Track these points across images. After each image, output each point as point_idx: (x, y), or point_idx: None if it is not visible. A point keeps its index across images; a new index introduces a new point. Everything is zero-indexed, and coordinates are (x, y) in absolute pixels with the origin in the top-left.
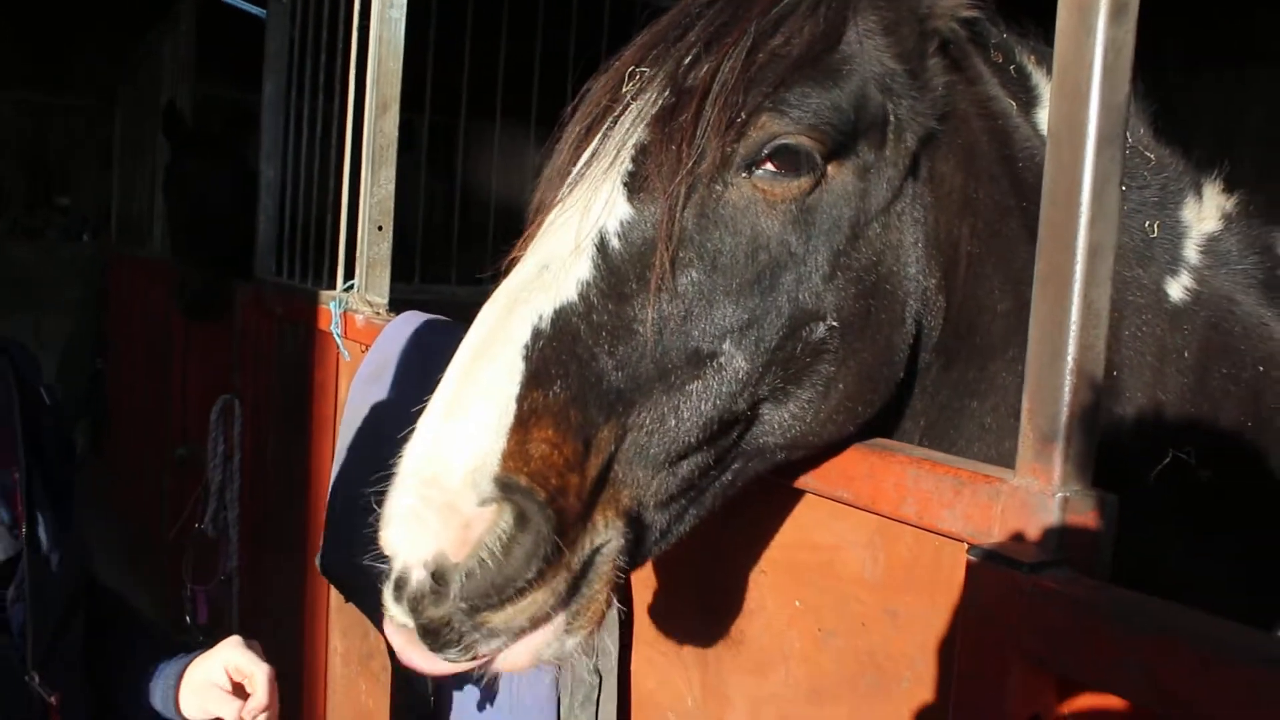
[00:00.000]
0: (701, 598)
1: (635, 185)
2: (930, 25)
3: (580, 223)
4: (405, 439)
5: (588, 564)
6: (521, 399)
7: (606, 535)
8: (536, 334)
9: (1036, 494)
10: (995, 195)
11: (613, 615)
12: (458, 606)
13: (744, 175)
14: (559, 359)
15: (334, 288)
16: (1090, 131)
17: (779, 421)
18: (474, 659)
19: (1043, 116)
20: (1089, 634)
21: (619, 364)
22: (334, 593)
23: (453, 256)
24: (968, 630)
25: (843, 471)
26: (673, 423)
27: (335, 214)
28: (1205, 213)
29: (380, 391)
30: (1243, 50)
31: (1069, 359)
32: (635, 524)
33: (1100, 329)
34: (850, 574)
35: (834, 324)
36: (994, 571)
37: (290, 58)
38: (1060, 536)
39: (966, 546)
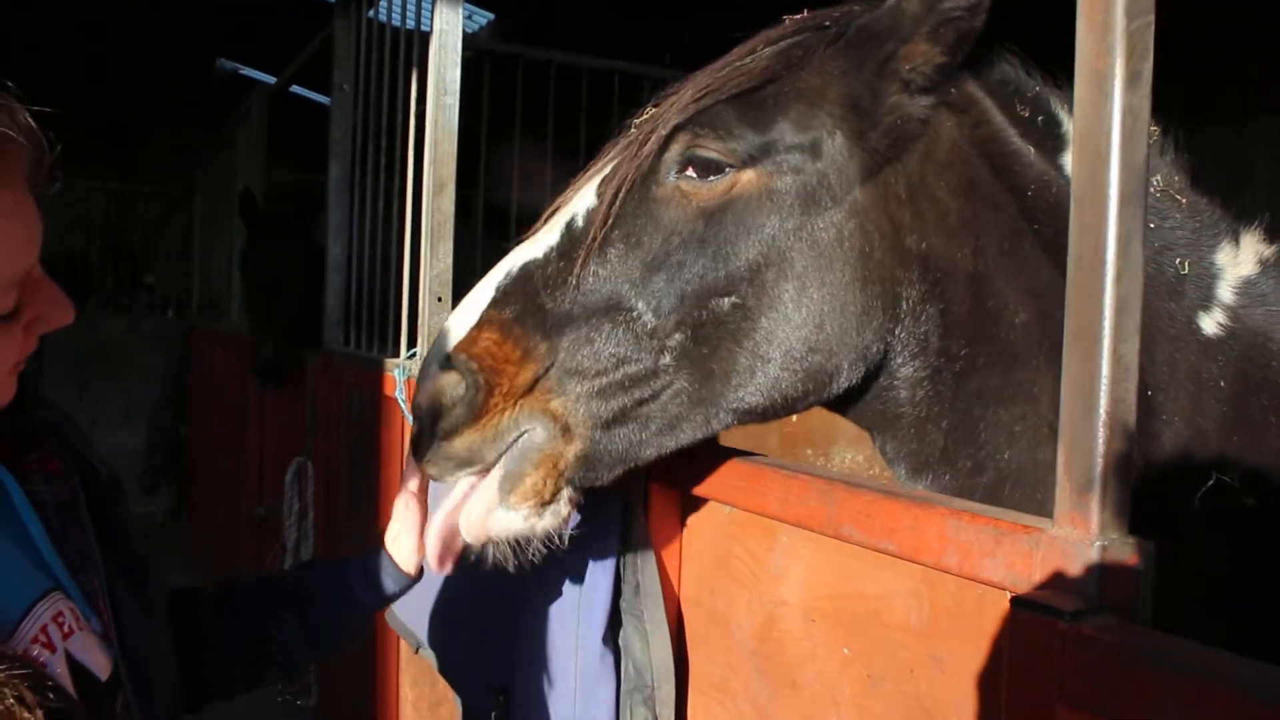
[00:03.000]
0: (755, 647)
1: (602, 184)
2: (890, 68)
3: (564, 209)
4: None
5: (515, 441)
6: (484, 312)
7: (531, 423)
8: (507, 274)
9: (1075, 543)
10: (1003, 220)
11: (654, 586)
12: (429, 429)
13: (670, 177)
14: (514, 291)
15: (398, 356)
16: (1112, 194)
17: (702, 375)
18: (440, 475)
19: (1069, 159)
20: (1130, 679)
21: (555, 302)
22: (404, 644)
23: None
24: (1013, 676)
25: (886, 524)
26: (589, 349)
27: (398, 287)
28: (1242, 257)
29: None
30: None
31: (1101, 412)
32: (566, 429)
33: (1130, 382)
34: (897, 622)
35: (738, 302)
36: (1036, 619)
37: (354, 142)
38: (1100, 583)
39: (1009, 595)
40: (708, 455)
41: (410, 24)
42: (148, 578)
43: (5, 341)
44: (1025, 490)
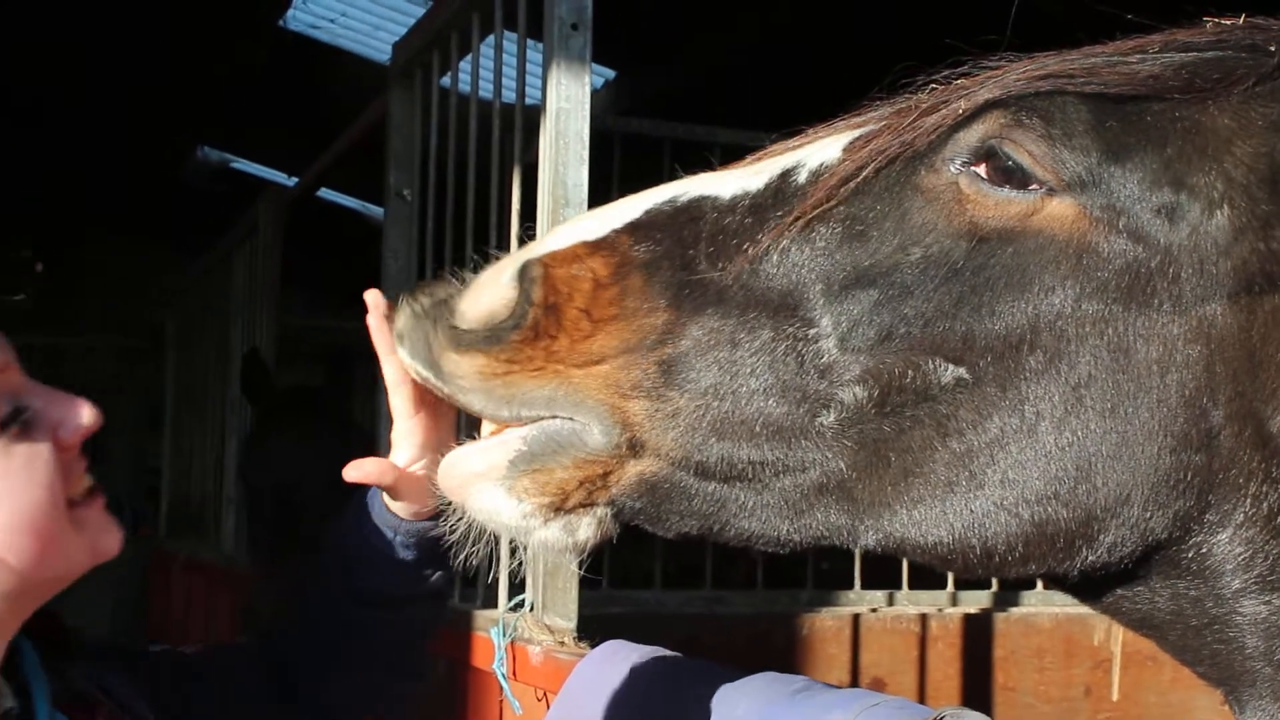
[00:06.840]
0: None
1: (855, 143)
2: None
3: (786, 155)
4: None
5: (537, 421)
6: (611, 232)
7: (583, 415)
8: (670, 200)
9: None
10: None
11: None
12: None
13: (950, 166)
14: (665, 225)
15: (495, 605)
16: None
17: (868, 464)
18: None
19: None
20: None
21: (712, 267)
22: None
23: (657, 544)
24: None
25: None
26: (725, 354)
27: None
28: None
29: None
30: None
31: None
32: (637, 446)
33: None
34: None
35: (966, 378)
36: None
37: (420, 277)
38: None
39: None
40: None
41: (508, 95)
42: None
43: (30, 463)
44: None
